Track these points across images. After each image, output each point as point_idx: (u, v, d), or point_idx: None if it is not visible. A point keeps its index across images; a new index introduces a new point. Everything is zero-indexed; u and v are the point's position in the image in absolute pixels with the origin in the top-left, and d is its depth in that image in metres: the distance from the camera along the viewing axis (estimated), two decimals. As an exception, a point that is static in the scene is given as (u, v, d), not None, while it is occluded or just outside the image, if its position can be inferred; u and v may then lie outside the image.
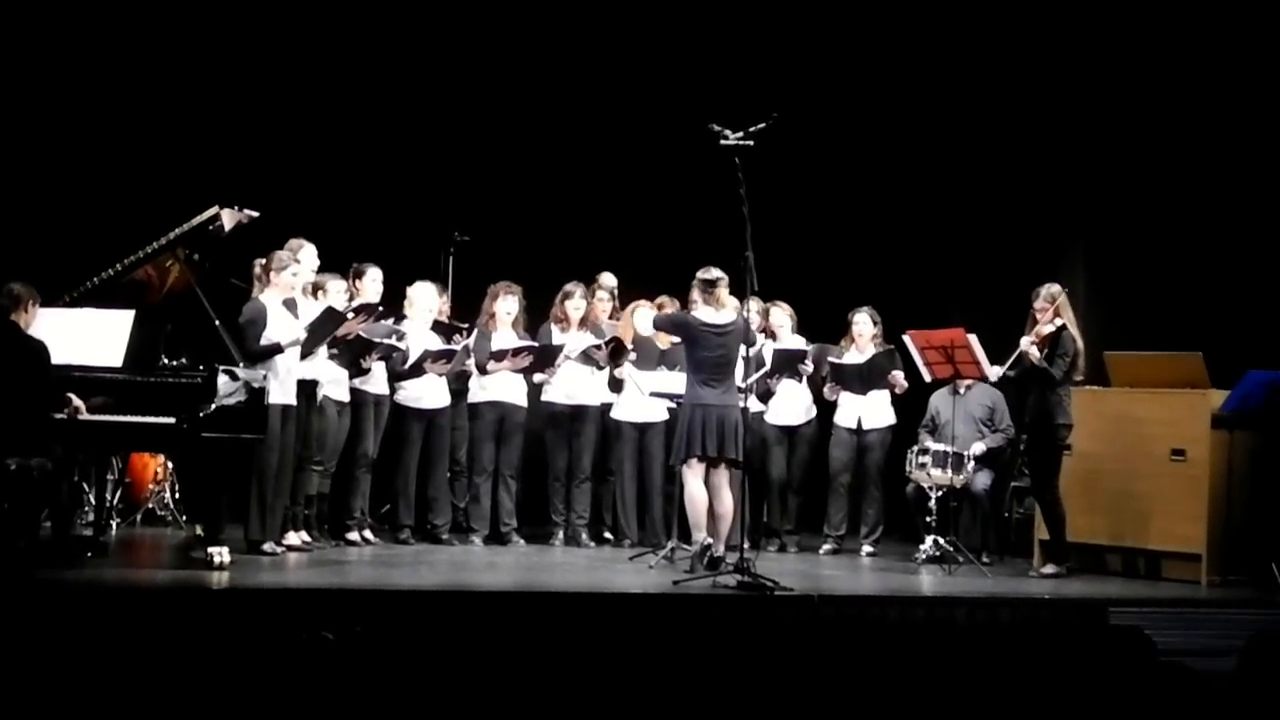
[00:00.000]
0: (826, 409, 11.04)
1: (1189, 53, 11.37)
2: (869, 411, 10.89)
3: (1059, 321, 9.73)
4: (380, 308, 9.98)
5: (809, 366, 10.77)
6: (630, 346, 10.62)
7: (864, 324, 10.87)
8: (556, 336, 10.78)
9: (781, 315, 10.93)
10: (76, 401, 8.44)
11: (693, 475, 9.24)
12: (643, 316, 10.70)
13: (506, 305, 10.68)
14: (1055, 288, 9.84)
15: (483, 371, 10.55)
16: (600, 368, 10.73)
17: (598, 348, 10.62)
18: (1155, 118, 11.55)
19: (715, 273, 9.31)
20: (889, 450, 10.93)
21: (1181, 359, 9.97)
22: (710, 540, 9.15)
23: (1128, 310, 11.63)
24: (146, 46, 11.75)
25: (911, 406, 10.97)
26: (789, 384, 10.88)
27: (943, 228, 12.72)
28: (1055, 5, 11.81)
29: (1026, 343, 9.70)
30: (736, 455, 9.21)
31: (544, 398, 10.86)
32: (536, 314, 11.01)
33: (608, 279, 11.36)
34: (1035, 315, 9.79)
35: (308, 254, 9.63)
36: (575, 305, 10.82)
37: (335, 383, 9.80)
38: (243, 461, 9.05)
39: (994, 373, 9.94)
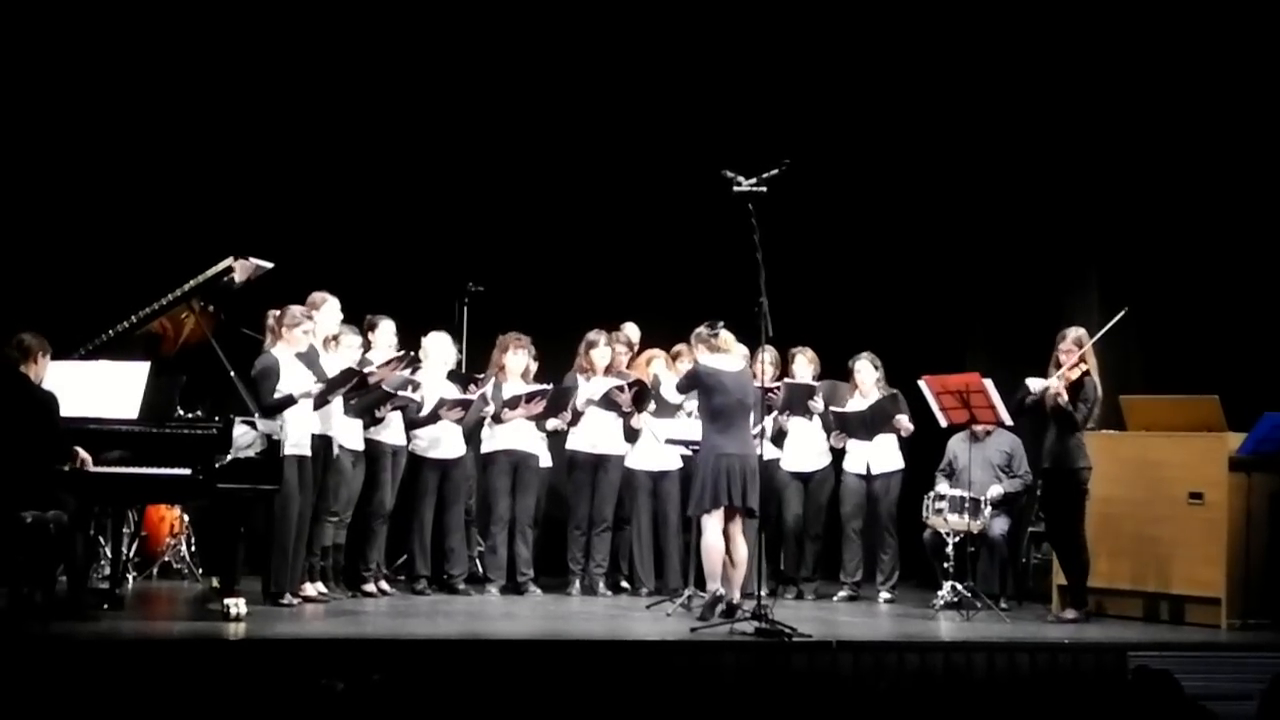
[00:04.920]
0: (839, 454, 11.02)
1: (1204, 91, 11.38)
2: (877, 457, 10.87)
3: (1084, 367, 9.70)
4: (412, 353, 10.04)
5: (819, 403, 10.75)
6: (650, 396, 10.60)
7: (865, 370, 10.87)
8: (581, 385, 10.77)
9: (803, 363, 10.91)
10: (83, 454, 8.44)
11: (712, 525, 9.18)
12: (657, 367, 10.70)
13: (516, 357, 10.69)
14: (1082, 331, 9.80)
15: (498, 420, 10.55)
16: (624, 412, 10.69)
17: (620, 389, 10.59)
18: (1168, 161, 11.56)
19: (709, 323, 9.34)
20: (899, 495, 10.90)
21: (1198, 402, 9.95)
22: (723, 591, 9.11)
23: (1142, 352, 11.62)
24: (164, 100, 11.82)
25: (920, 450, 10.96)
26: (802, 426, 10.88)
27: (958, 272, 12.74)
28: (1066, 37, 11.82)
29: (1057, 383, 9.66)
30: (755, 505, 9.18)
31: (568, 445, 10.86)
32: (552, 364, 11.01)
33: (631, 330, 11.35)
34: (1059, 358, 9.76)
35: (330, 309, 9.64)
36: (600, 354, 10.81)
37: (349, 432, 9.80)
38: (259, 513, 9.06)
39: (1016, 401, 9.93)
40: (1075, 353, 9.70)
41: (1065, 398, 9.65)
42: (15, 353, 8.42)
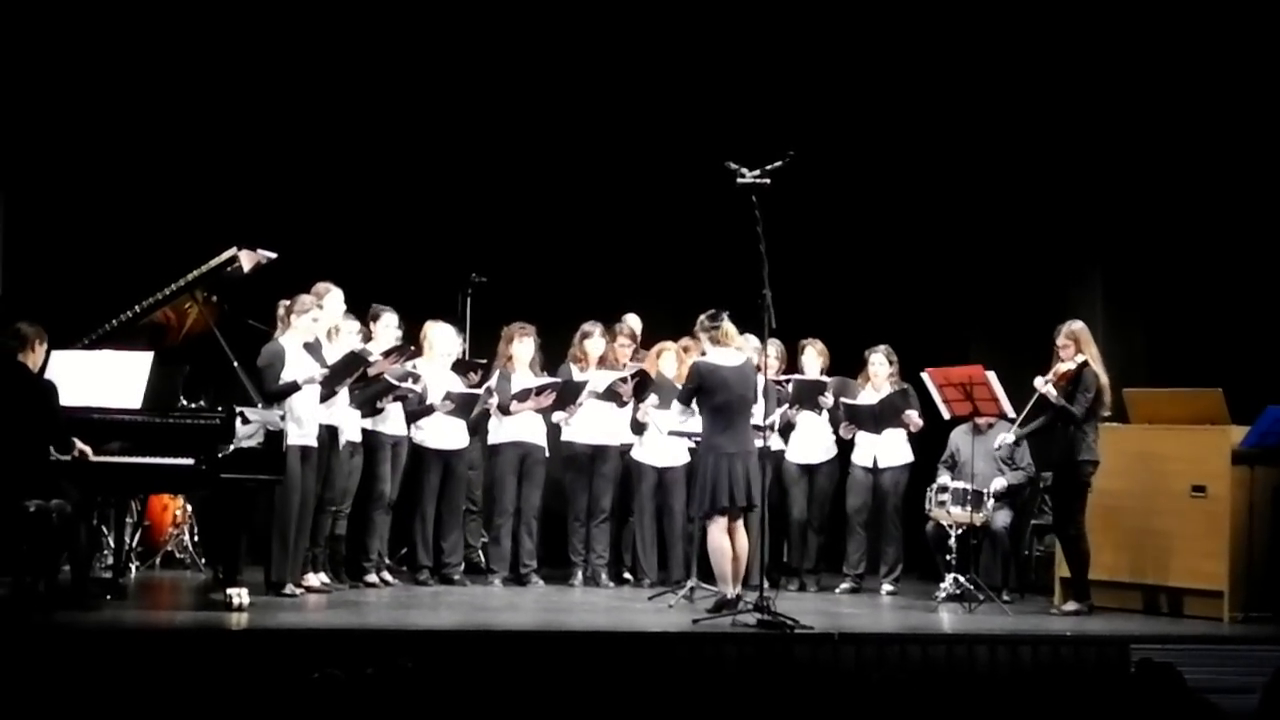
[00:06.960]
0: (846, 446, 11.01)
1: (1207, 87, 11.36)
2: (885, 450, 10.86)
3: (1080, 358, 9.69)
4: (412, 347, 10.04)
5: (829, 399, 10.74)
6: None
7: (879, 364, 10.84)
8: (575, 376, 10.76)
9: (813, 355, 10.90)
10: (82, 446, 8.44)
11: (717, 527, 9.11)
12: (667, 360, 10.68)
13: (522, 347, 10.67)
14: (1077, 324, 9.81)
15: (505, 412, 10.53)
16: (624, 403, 10.68)
17: (623, 381, 10.57)
18: (1173, 155, 11.54)
19: (711, 313, 9.23)
20: (906, 488, 10.89)
21: (1201, 395, 9.94)
22: (731, 594, 9.03)
23: (1146, 345, 11.61)
24: (167, 90, 11.80)
25: (929, 444, 10.94)
26: (809, 418, 10.87)
27: (961, 265, 12.75)
28: (1070, 35, 11.81)
29: (1041, 383, 9.67)
30: (759, 501, 9.16)
31: (564, 438, 10.83)
32: (554, 354, 11.01)
33: (633, 321, 11.29)
34: (1059, 353, 9.76)
35: (333, 299, 9.65)
36: (594, 345, 10.80)
37: (348, 423, 9.79)
38: (261, 503, 9.06)
39: (1009, 437, 9.95)
40: (1070, 346, 9.69)
41: (1054, 393, 9.64)
42: (13, 341, 8.43)
